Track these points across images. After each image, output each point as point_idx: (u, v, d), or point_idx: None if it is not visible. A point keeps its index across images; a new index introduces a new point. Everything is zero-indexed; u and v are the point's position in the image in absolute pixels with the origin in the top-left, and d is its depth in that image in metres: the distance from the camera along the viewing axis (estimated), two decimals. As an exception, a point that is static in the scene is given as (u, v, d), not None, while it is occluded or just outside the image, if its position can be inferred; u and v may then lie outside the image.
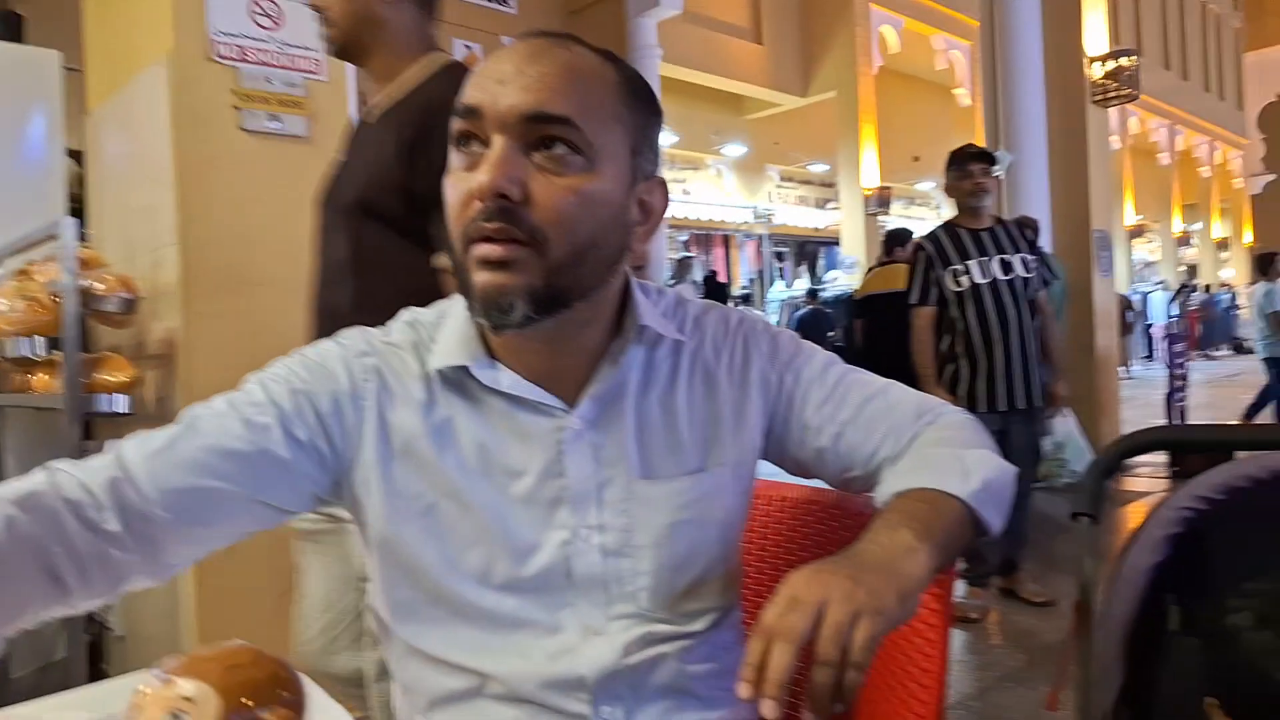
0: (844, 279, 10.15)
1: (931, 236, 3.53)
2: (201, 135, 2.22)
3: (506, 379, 0.85)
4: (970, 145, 3.57)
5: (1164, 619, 1.03)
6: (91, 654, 2.43)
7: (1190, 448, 1.06)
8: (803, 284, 13.29)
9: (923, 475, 0.85)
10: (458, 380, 0.86)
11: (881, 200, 9.79)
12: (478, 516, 0.84)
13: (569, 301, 0.81)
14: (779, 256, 15.76)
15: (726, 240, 15.09)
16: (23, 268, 2.17)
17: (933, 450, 0.89)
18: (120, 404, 2.13)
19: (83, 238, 2.23)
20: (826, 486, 1.00)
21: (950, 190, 3.54)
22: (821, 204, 13.94)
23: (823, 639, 0.64)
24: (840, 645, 0.64)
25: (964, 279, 3.42)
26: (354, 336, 0.89)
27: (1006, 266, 3.42)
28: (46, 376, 2.21)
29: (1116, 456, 1.06)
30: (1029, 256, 3.44)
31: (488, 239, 0.76)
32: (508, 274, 0.77)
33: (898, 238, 5.44)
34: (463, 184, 0.78)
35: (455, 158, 0.80)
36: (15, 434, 2.60)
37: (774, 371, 0.94)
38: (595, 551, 0.85)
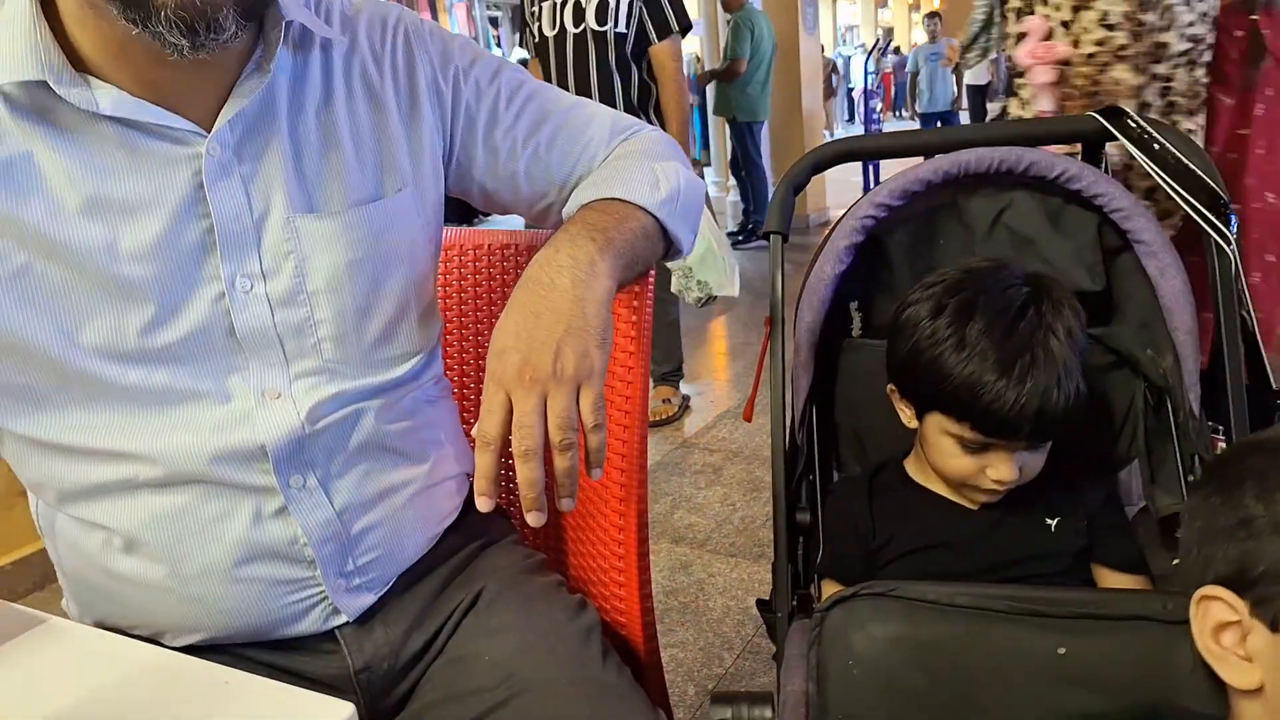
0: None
1: None
2: None
3: (107, 99, 0.66)
4: None
5: (847, 323, 1.10)
6: None
7: (872, 155, 1.10)
8: (521, 54, 12.64)
9: (610, 186, 0.81)
10: (31, 103, 0.66)
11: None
12: (92, 275, 0.68)
13: (263, 6, 0.67)
14: (494, 23, 14.77)
15: (433, 2, 13.85)
16: None
17: (623, 163, 0.84)
18: None
19: None
20: (522, 228, 0.94)
21: None
22: None
23: (553, 433, 0.63)
24: (572, 429, 0.64)
25: (536, 28, 2.73)
26: None
27: (578, 14, 2.63)
28: None
29: (805, 171, 1.07)
30: (619, 1, 2.61)
31: None
32: None
33: None
34: None
35: None
36: None
37: (447, 81, 0.82)
38: (261, 303, 0.72)
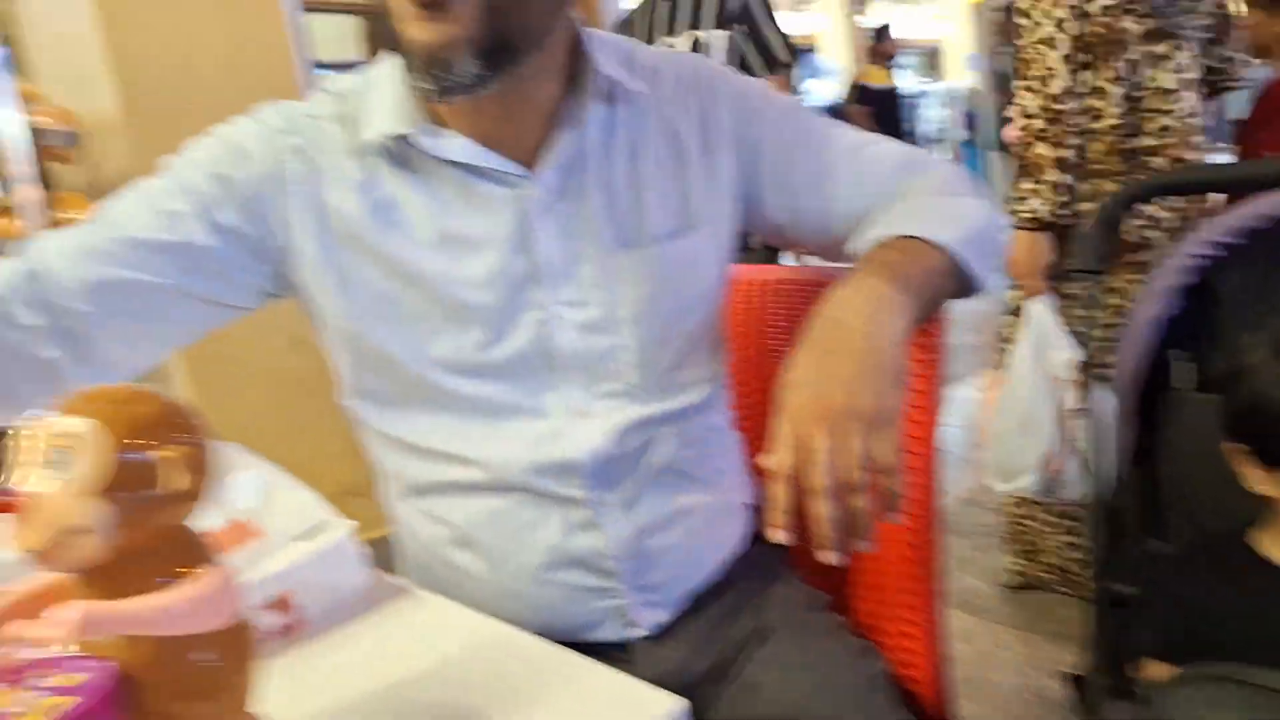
0: (825, 89, 9.54)
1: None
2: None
3: (455, 146, 0.77)
4: None
5: (1170, 374, 0.99)
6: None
7: (1198, 189, 0.97)
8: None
9: (904, 223, 0.79)
10: (398, 152, 0.78)
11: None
12: (440, 299, 0.78)
13: (519, 49, 0.73)
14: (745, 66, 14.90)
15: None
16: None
17: (917, 200, 0.82)
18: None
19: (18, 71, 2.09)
20: (807, 262, 0.95)
21: None
22: (797, 5, 12.99)
23: (848, 473, 0.62)
24: (867, 469, 0.62)
25: None
26: (271, 112, 0.80)
27: None
28: (5, 220, 2.13)
29: (1121, 204, 0.99)
30: (722, 32, 2.06)
31: None
32: (444, 22, 0.69)
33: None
34: None
35: None
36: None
37: (743, 124, 0.86)
38: (574, 329, 0.80)
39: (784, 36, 2.23)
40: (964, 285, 0.81)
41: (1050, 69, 1.68)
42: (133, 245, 0.73)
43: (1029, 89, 1.72)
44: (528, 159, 0.79)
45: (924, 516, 0.83)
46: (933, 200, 0.82)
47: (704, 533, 0.86)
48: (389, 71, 0.79)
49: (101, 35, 1.99)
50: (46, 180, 2.18)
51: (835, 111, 5.09)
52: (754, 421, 1.10)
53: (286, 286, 0.81)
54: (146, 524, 0.37)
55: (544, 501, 0.80)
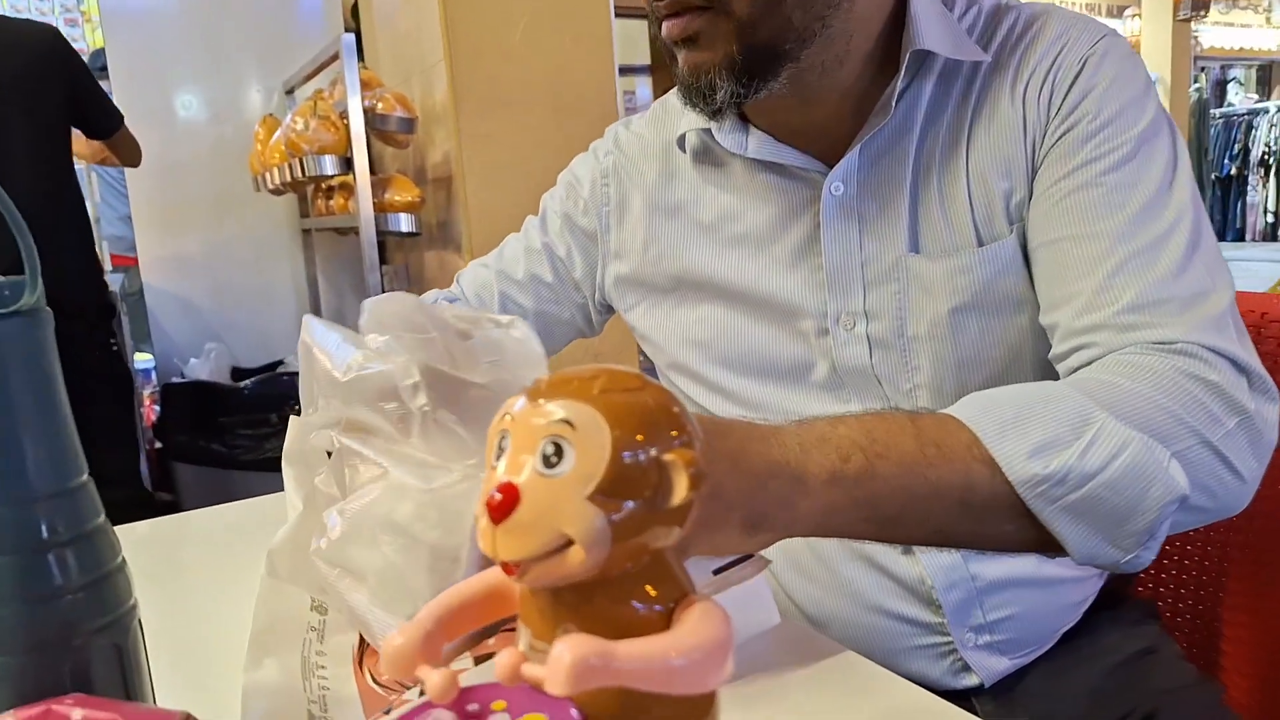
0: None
1: None
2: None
3: (752, 143, 0.74)
4: None
5: None
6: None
7: None
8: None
9: (1012, 402, 0.54)
10: (702, 147, 0.79)
11: (1199, 1, 8.19)
12: (723, 295, 0.78)
13: (784, 54, 0.66)
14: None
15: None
16: (314, 92, 2.27)
17: (1098, 377, 0.57)
18: (405, 223, 2.20)
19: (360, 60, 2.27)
20: None
21: None
22: (1117, 12, 11.86)
23: None
24: None
25: None
26: (604, 138, 0.89)
27: None
28: (344, 199, 2.34)
29: None
30: None
31: (668, 16, 0.67)
32: (697, 50, 0.66)
33: None
34: None
35: None
36: (323, 257, 3.09)
37: (1058, 138, 0.66)
38: (860, 342, 0.72)
39: None
40: (1048, 546, 0.54)
41: None
42: (502, 279, 0.90)
43: None
44: (832, 152, 0.71)
45: None
46: (1114, 395, 0.54)
47: (1047, 570, 0.73)
48: None
49: (443, 29, 2.10)
50: (374, 164, 2.37)
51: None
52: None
53: (608, 308, 0.90)
54: (637, 542, 0.30)
55: None
